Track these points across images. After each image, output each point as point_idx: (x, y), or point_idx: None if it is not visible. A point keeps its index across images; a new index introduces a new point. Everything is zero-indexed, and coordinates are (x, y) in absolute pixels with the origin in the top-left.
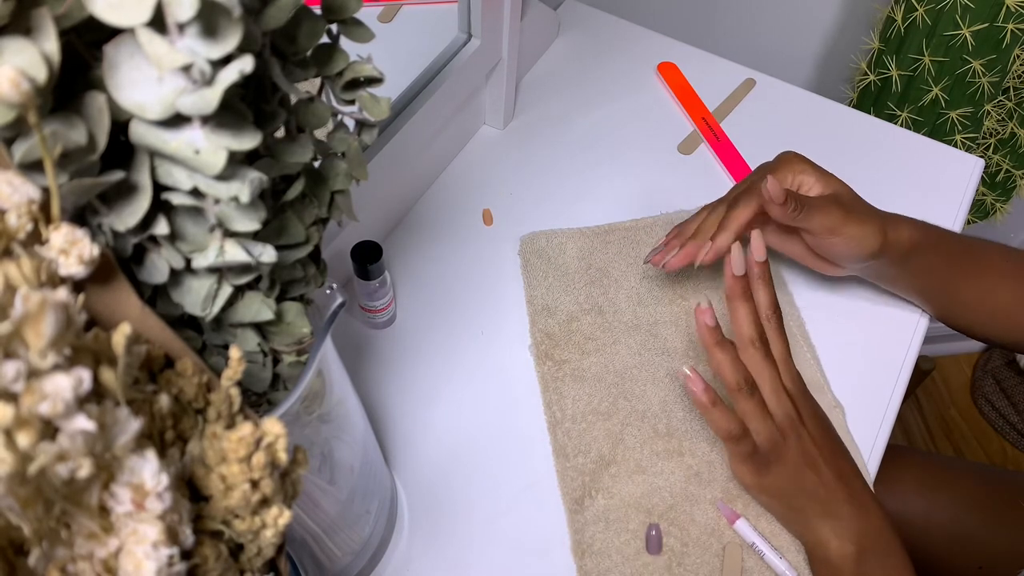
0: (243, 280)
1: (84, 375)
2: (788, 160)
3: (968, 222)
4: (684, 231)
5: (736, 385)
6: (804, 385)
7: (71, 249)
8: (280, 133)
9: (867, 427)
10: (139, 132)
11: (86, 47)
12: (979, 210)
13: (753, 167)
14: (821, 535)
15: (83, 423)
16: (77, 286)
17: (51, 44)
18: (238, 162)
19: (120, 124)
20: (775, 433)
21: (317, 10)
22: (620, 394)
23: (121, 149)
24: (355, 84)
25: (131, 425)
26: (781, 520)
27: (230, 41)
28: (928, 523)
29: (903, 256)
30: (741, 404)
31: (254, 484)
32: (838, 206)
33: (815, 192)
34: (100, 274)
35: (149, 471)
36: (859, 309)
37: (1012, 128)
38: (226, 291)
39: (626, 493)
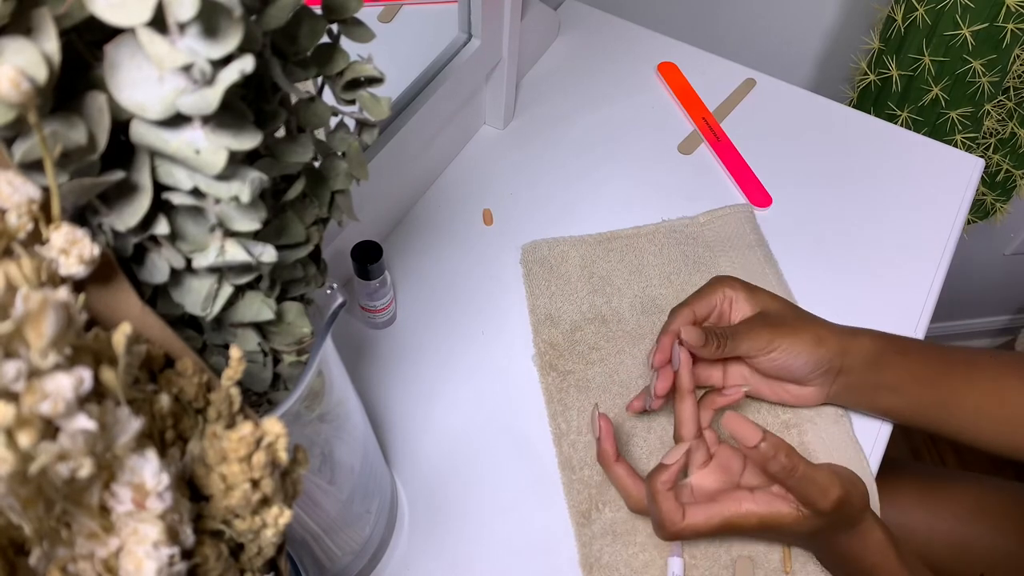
0: (243, 280)
1: (85, 375)
2: (717, 284)
3: (968, 222)
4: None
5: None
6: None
7: (71, 249)
8: (280, 133)
9: (868, 429)
10: (139, 132)
11: (86, 47)
12: (979, 210)
13: (753, 167)
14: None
15: (84, 423)
16: (77, 286)
17: (51, 44)
18: (238, 162)
19: (120, 124)
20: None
21: (317, 10)
22: (625, 404)
23: (121, 149)
24: (355, 84)
25: (132, 425)
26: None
27: (231, 41)
28: (930, 533)
29: (869, 366)
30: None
31: (254, 484)
32: (763, 324)
33: (745, 311)
34: (100, 274)
35: (150, 471)
36: (859, 311)
37: (1012, 128)
38: (226, 291)
39: None
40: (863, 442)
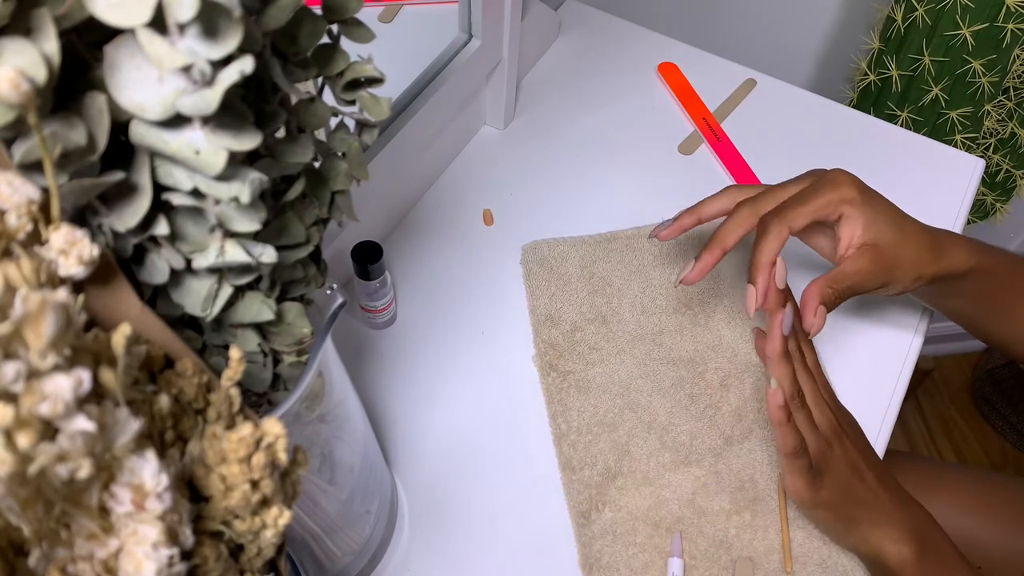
0: (243, 280)
1: (84, 375)
2: (837, 182)
3: (968, 222)
4: (702, 212)
5: (791, 396)
6: (835, 394)
7: (71, 249)
8: (280, 133)
9: (868, 428)
10: (139, 132)
11: (86, 47)
12: (979, 210)
13: (754, 167)
14: (876, 544)
15: (83, 423)
16: (77, 286)
17: (51, 44)
18: (238, 162)
19: (120, 124)
20: (822, 443)
21: (318, 10)
22: (625, 405)
23: (121, 149)
24: (356, 84)
25: (131, 425)
26: (833, 536)
27: (231, 41)
28: None
29: (955, 279)
30: (796, 415)
31: (254, 484)
32: (875, 263)
33: (855, 229)
34: (100, 274)
35: (149, 471)
36: (859, 310)
37: (1012, 128)
38: (226, 291)
39: (633, 506)
40: None
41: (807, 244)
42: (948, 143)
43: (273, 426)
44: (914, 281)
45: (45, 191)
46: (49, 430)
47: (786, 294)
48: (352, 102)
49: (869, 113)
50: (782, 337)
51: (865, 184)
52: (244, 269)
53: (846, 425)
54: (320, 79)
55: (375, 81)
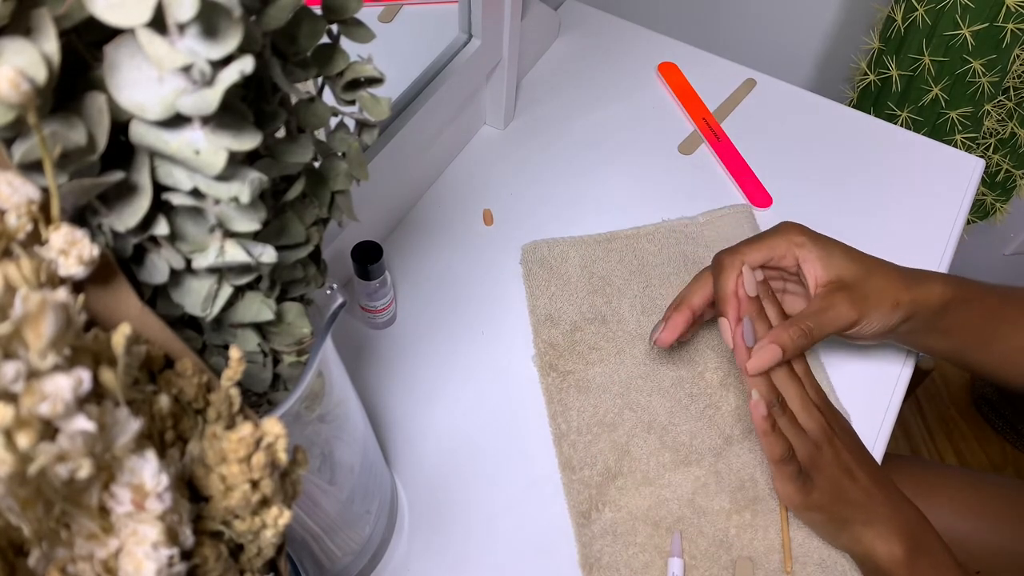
0: (243, 280)
1: (84, 375)
2: (785, 231)
3: (968, 222)
4: (691, 303)
5: (772, 404)
6: (826, 397)
7: (71, 249)
8: (280, 133)
9: (867, 428)
10: (139, 132)
11: (86, 47)
12: (979, 210)
13: (753, 167)
14: (868, 544)
15: (83, 423)
16: (77, 286)
17: (51, 44)
18: (238, 162)
19: (120, 124)
20: (811, 446)
21: (317, 10)
22: (625, 405)
23: (121, 149)
24: (355, 84)
25: (131, 425)
26: (826, 537)
27: (230, 41)
28: None
29: (932, 314)
30: (779, 421)
31: (254, 484)
32: (844, 298)
33: (817, 273)
34: (100, 274)
35: (149, 471)
36: None
37: (1012, 128)
38: (226, 291)
39: (633, 506)
40: (864, 438)
41: (789, 310)
42: (948, 143)
43: (273, 426)
44: (892, 310)
45: (45, 191)
46: (49, 430)
47: (757, 302)
48: (352, 102)
49: (869, 113)
50: (747, 349)
51: (814, 231)
52: (244, 269)
53: (837, 426)
54: (320, 79)
55: (375, 81)
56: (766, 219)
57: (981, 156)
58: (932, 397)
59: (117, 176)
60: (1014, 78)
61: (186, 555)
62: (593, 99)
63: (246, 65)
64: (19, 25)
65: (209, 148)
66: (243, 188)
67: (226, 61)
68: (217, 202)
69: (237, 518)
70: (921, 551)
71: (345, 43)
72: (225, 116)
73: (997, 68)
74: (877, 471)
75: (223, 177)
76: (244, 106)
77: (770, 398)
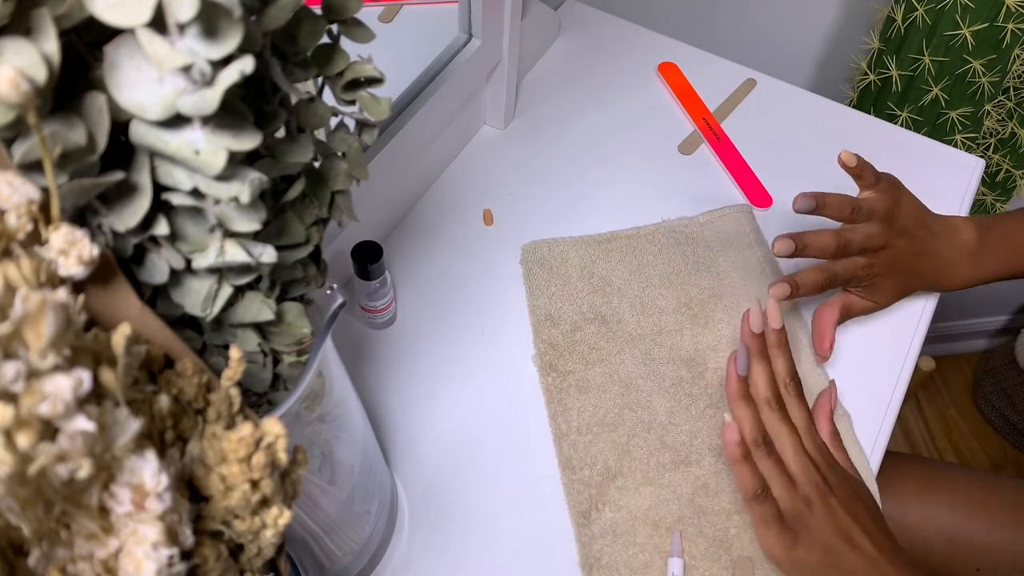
0: (243, 280)
1: (84, 375)
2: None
3: None
4: (809, 243)
5: (753, 440)
6: (831, 454)
7: (71, 249)
8: (280, 133)
9: (868, 428)
10: (139, 132)
11: (86, 47)
12: (979, 210)
13: (753, 167)
14: None
15: (83, 423)
16: (77, 286)
17: (51, 44)
18: (238, 162)
19: (120, 124)
20: (798, 500)
21: (317, 10)
22: (625, 405)
23: (121, 149)
24: (355, 84)
25: (131, 425)
26: None
27: (230, 41)
28: (926, 527)
29: (967, 256)
30: (759, 463)
31: (254, 484)
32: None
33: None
34: (100, 274)
35: (149, 471)
36: None
37: (1012, 128)
38: (226, 291)
39: (633, 506)
40: (864, 441)
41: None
42: (948, 143)
43: (273, 426)
44: (917, 217)
45: (45, 191)
46: (49, 430)
47: (761, 339)
48: (352, 102)
49: (869, 113)
50: (739, 379)
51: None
52: (244, 269)
53: (839, 485)
54: (320, 79)
55: (375, 81)
56: (766, 219)
57: (981, 156)
58: (932, 397)
59: (117, 176)
60: (1014, 78)
61: (186, 555)
62: (593, 99)
63: (246, 65)
64: (19, 25)
65: (209, 148)
66: (243, 188)
67: (226, 61)
68: (217, 202)
69: (237, 518)
70: None
71: (345, 43)
72: (225, 116)
73: (997, 68)
74: (885, 538)
75: (223, 177)
76: (244, 106)
77: (753, 434)
